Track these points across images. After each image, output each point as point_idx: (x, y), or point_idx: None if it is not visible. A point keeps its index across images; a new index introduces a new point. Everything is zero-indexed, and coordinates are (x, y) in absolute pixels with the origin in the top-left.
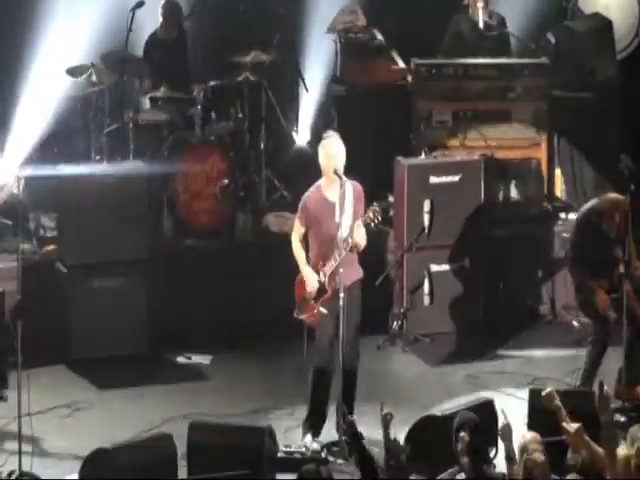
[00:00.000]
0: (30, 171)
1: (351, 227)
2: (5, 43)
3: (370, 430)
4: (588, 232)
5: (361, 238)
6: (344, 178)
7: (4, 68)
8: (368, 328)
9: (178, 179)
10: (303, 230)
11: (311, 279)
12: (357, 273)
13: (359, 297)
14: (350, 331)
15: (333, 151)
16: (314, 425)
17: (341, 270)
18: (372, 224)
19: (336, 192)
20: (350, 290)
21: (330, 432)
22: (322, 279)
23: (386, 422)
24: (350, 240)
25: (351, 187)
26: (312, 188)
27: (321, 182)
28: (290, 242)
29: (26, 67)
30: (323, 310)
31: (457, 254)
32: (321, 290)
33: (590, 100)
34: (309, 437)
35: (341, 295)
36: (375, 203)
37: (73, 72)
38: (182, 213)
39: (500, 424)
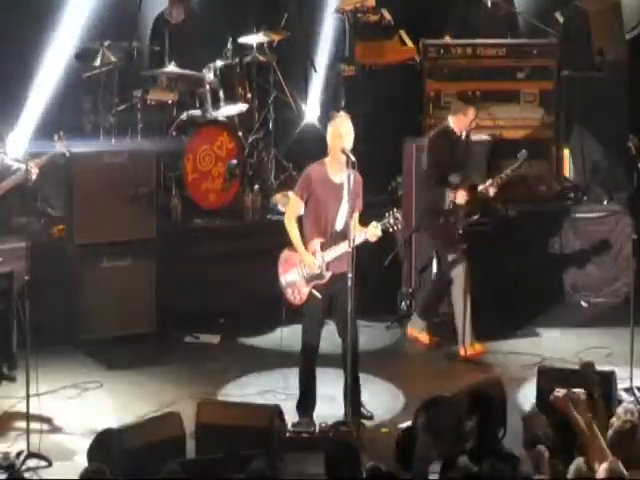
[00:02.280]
0: (44, 161)
1: (348, 216)
2: (16, 24)
3: (377, 409)
4: (447, 147)
5: (374, 237)
6: (352, 157)
7: (15, 48)
8: (377, 308)
9: (187, 159)
10: (301, 206)
11: (312, 265)
12: (346, 264)
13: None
14: (345, 313)
15: (343, 131)
16: (307, 405)
17: (349, 248)
18: (390, 230)
19: (341, 174)
20: (344, 277)
21: (338, 412)
22: (319, 263)
23: None
24: (362, 237)
25: (352, 176)
26: (316, 164)
27: (326, 160)
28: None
29: (36, 47)
30: (317, 294)
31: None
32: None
33: (598, 80)
34: (306, 417)
35: (350, 275)
36: (396, 209)
37: (83, 52)
38: (190, 193)
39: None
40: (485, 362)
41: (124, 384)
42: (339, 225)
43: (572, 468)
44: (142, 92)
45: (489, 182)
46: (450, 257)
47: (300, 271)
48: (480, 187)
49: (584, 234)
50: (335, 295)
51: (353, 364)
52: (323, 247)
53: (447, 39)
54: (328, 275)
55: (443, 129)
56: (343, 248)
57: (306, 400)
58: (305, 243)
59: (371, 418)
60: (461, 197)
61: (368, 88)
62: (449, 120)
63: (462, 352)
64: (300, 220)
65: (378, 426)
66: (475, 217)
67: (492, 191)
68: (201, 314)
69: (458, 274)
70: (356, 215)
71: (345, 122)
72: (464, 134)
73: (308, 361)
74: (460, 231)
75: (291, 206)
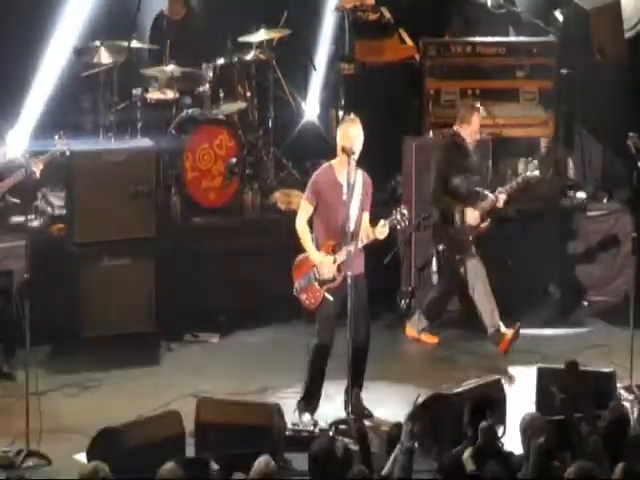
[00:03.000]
0: (47, 160)
1: (359, 216)
2: (15, 22)
3: (377, 407)
4: (455, 154)
5: (382, 235)
6: (353, 164)
7: (14, 47)
8: (377, 306)
9: (186, 157)
10: (311, 210)
11: (327, 265)
12: (362, 266)
13: (365, 283)
14: (360, 313)
15: (352, 134)
16: (310, 404)
17: (351, 249)
18: (398, 226)
19: (350, 176)
20: (357, 278)
21: (337, 411)
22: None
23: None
24: (371, 236)
25: (361, 176)
26: (324, 167)
27: (334, 162)
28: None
29: (35, 46)
30: (329, 297)
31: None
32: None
33: (598, 79)
34: (307, 416)
35: (349, 274)
36: (403, 206)
37: (82, 51)
38: (190, 191)
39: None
40: (484, 360)
41: (124, 382)
42: (351, 226)
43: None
44: (142, 90)
45: (499, 190)
46: (465, 261)
47: (313, 275)
48: (490, 196)
49: (584, 232)
50: (347, 296)
51: (361, 363)
52: (335, 249)
53: (447, 38)
54: (340, 277)
55: (450, 139)
56: (354, 249)
57: (310, 399)
58: (317, 246)
59: (370, 417)
60: (473, 218)
61: (368, 86)
62: (456, 129)
63: (502, 348)
64: (310, 223)
65: (377, 425)
66: (486, 224)
67: (502, 199)
68: (200, 312)
69: (479, 276)
70: (366, 215)
71: (355, 125)
72: (473, 142)
73: (320, 361)
74: (470, 238)
75: (301, 211)
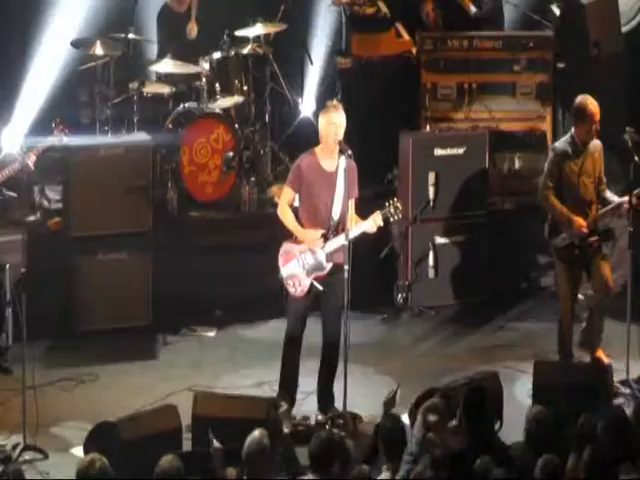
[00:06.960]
0: (41, 150)
1: (344, 204)
2: (11, 16)
3: (371, 404)
4: (564, 163)
5: (374, 228)
6: (348, 151)
7: (9, 40)
8: (373, 300)
9: (183, 151)
10: (293, 196)
11: (316, 240)
12: (342, 256)
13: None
14: (336, 306)
15: (336, 120)
16: (286, 397)
17: (345, 244)
18: (392, 219)
19: (333, 162)
20: (338, 268)
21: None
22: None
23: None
24: (360, 229)
25: (345, 162)
26: (305, 154)
27: (317, 149)
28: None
29: (32, 39)
30: (319, 286)
31: (462, 226)
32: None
33: (595, 72)
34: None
35: (346, 267)
36: (396, 199)
37: (79, 44)
38: (187, 185)
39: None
40: (480, 355)
41: (120, 376)
42: (336, 214)
43: None
44: (138, 84)
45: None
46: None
47: (301, 263)
48: (601, 210)
49: None
50: (327, 288)
51: (332, 360)
52: (325, 236)
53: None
54: (329, 266)
55: (566, 139)
56: (343, 239)
57: (284, 392)
58: None
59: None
60: (579, 230)
61: (364, 81)
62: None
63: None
64: (296, 213)
65: (374, 418)
66: (593, 239)
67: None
68: (197, 307)
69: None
70: (352, 203)
71: (337, 112)
72: (588, 145)
73: (292, 352)
74: (577, 252)
75: (283, 197)
